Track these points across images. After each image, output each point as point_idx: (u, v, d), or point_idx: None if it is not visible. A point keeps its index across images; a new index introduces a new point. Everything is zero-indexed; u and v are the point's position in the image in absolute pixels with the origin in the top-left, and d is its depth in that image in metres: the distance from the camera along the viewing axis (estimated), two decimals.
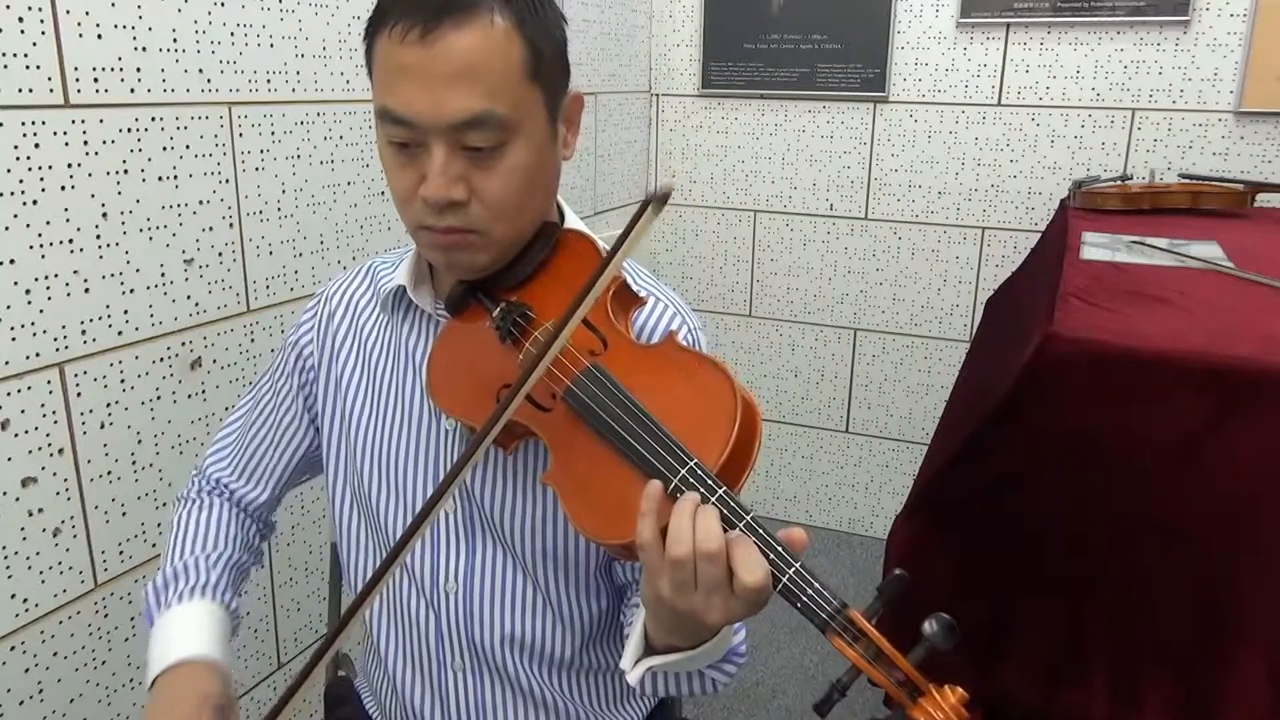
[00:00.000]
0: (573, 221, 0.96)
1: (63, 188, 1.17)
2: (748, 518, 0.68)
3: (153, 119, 1.28)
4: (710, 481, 0.69)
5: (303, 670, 0.77)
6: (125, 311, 1.27)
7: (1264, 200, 2.15)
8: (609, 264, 0.76)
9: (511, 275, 0.91)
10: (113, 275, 1.25)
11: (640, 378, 0.78)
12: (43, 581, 1.21)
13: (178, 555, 1.01)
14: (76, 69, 1.17)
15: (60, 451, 1.21)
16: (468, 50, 0.80)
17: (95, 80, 1.19)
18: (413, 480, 0.96)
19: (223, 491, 1.08)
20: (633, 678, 0.80)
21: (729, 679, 0.88)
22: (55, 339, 1.19)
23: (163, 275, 1.32)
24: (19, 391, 1.15)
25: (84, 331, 1.22)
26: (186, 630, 0.93)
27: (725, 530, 0.68)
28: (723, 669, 0.86)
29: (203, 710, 0.86)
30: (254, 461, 1.07)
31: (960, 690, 0.64)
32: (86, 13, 1.17)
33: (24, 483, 1.17)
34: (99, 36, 1.19)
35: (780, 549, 0.67)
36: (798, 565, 0.67)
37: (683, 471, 0.70)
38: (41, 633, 1.22)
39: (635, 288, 0.90)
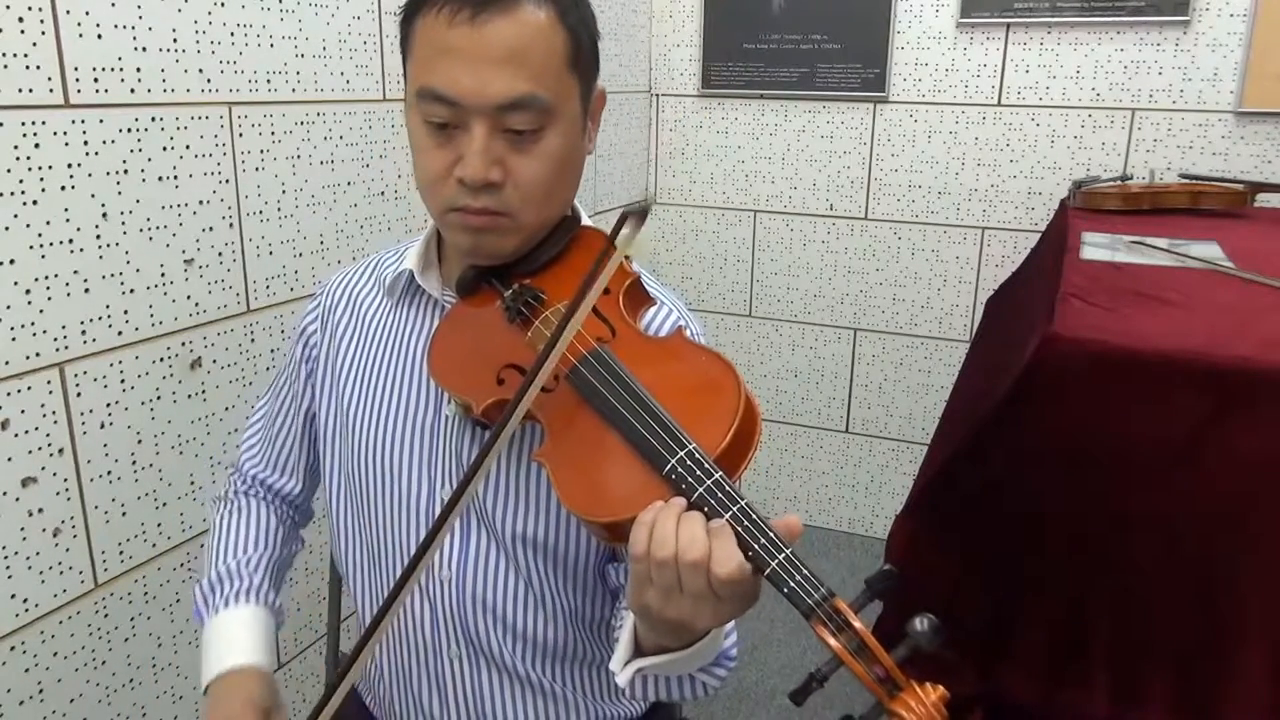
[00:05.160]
0: (587, 222, 0.98)
1: (63, 188, 1.17)
2: (742, 502, 0.68)
3: (153, 119, 1.28)
4: (707, 465, 0.69)
5: (328, 690, 0.79)
6: (125, 311, 1.27)
7: (1264, 200, 2.15)
8: (591, 285, 0.76)
9: (526, 263, 0.92)
10: (113, 275, 1.25)
11: (646, 366, 0.78)
12: (43, 581, 1.21)
13: (221, 559, 1.06)
14: (76, 69, 1.17)
15: (60, 451, 1.21)
16: (517, 34, 0.82)
17: (95, 80, 1.19)
18: (407, 466, 0.96)
19: (257, 489, 1.12)
20: (622, 679, 0.80)
21: (720, 683, 0.88)
22: (55, 339, 1.19)
23: (163, 275, 1.32)
24: (19, 391, 1.15)
25: (84, 331, 1.22)
26: (235, 638, 0.99)
27: (710, 519, 0.68)
28: (713, 672, 0.86)
29: (246, 712, 0.91)
30: (282, 453, 1.11)
31: (941, 689, 0.64)
32: (86, 13, 1.17)
33: (24, 483, 1.17)
34: (99, 36, 1.19)
35: (771, 535, 0.67)
36: (788, 551, 0.66)
37: (680, 454, 0.70)
38: (41, 633, 1.22)
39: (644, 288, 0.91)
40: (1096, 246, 1.66)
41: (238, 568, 1.04)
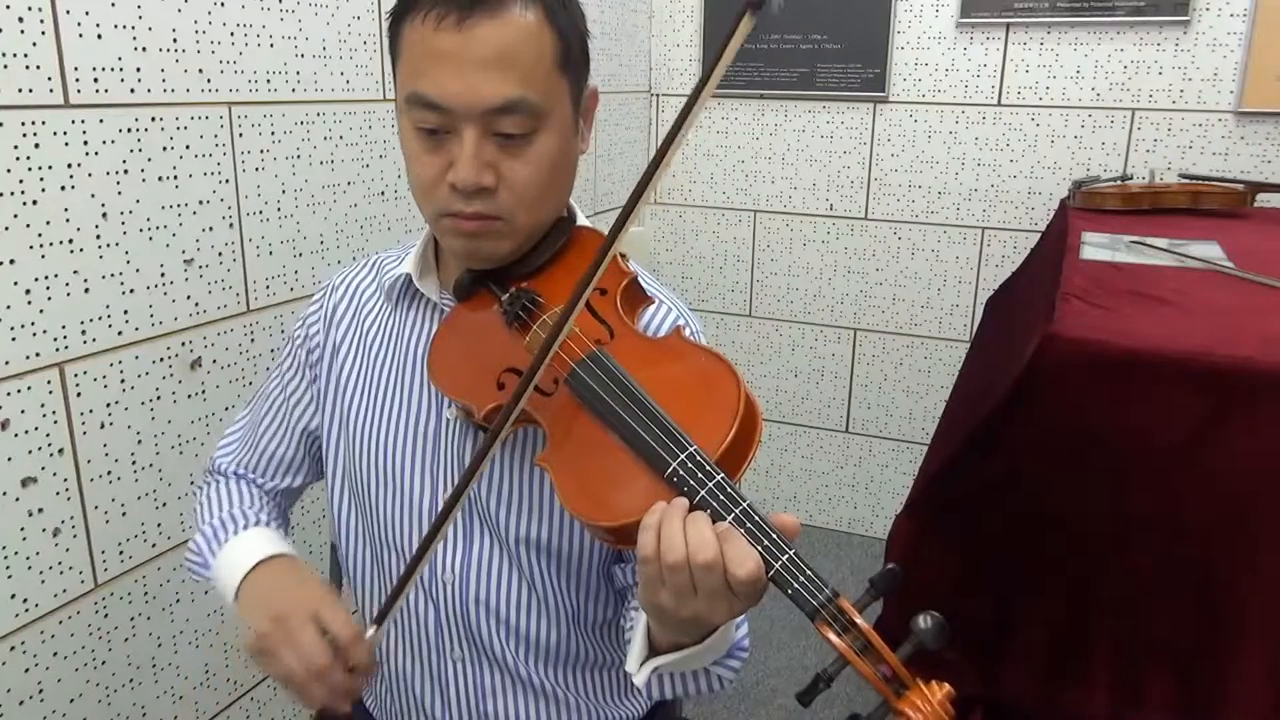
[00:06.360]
0: (583, 221, 0.97)
1: (63, 188, 1.17)
2: (744, 504, 0.68)
3: (153, 119, 1.28)
4: (709, 467, 0.69)
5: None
6: (125, 311, 1.27)
7: (1264, 200, 2.15)
8: (685, 121, 0.69)
9: (523, 265, 0.92)
10: (113, 275, 1.25)
11: (645, 367, 0.78)
12: (43, 581, 1.21)
13: (217, 510, 1.02)
14: (76, 69, 1.17)
15: (60, 451, 1.21)
16: (504, 37, 0.81)
17: (95, 80, 1.19)
18: (409, 471, 0.96)
19: (244, 475, 1.09)
20: (639, 679, 0.79)
21: (734, 675, 0.88)
22: (55, 339, 1.19)
23: (163, 275, 1.32)
24: (19, 391, 1.15)
25: (84, 331, 1.22)
26: (260, 541, 0.95)
27: (714, 522, 0.68)
28: (727, 664, 0.86)
29: (324, 593, 0.86)
30: (266, 454, 1.08)
31: (947, 686, 0.63)
32: (86, 13, 1.17)
33: (24, 483, 1.17)
34: (99, 36, 1.19)
35: (774, 536, 0.67)
36: (791, 553, 0.67)
37: (681, 456, 0.70)
38: (41, 633, 1.22)
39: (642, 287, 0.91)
40: (1096, 246, 1.66)
41: (241, 512, 1.01)
